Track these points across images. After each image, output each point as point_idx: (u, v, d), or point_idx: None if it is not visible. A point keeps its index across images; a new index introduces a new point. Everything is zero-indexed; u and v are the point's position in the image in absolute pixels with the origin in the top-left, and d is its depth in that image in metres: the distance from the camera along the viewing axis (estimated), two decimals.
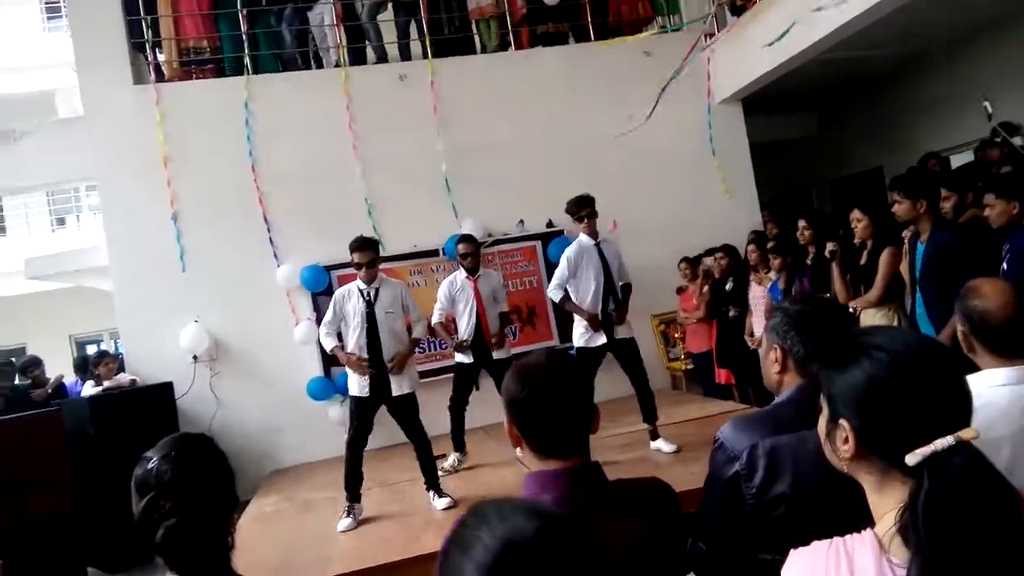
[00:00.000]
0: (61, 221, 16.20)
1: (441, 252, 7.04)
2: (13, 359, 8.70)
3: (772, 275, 5.79)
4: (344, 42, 7.30)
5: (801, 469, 1.58)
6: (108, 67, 6.78)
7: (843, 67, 7.32)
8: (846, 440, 1.11)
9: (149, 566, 5.21)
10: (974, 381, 1.76)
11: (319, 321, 6.66)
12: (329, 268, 6.82)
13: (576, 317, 5.02)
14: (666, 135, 7.43)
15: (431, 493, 4.59)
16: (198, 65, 7.27)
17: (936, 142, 8.04)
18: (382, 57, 7.45)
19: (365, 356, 4.55)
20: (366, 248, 4.60)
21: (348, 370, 4.67)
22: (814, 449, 1.25)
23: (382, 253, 6.58)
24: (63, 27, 12.97)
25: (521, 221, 7.30)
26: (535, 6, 7.63)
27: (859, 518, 1.11)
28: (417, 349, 5.31)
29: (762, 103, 7.88)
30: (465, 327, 5.34)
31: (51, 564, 5.43)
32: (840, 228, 5.60)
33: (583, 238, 4.99)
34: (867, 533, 1.06)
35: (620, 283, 5.07)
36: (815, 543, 1.09)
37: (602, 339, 4.93)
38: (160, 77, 7.07)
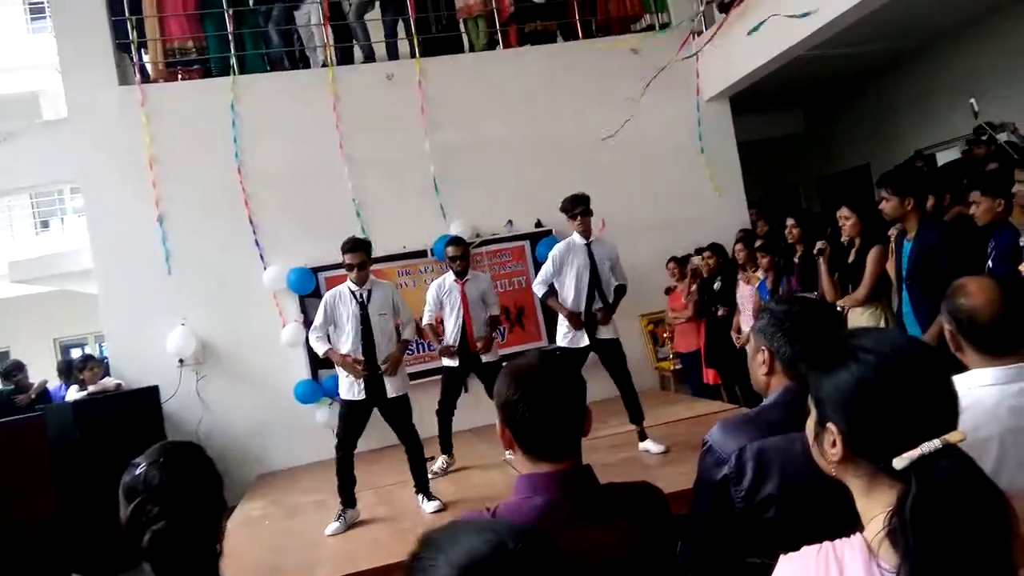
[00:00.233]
0: (45, 224, 16.06)
1: (430, 253, 7.01)
2: None
3: (760, 274, 5.80)
4: (331, 41, 7.27)
5: (789, 471, 1.58)
6: (93, 68, 6.72)
7: (829, 64, 7.35)
8: (834, 444, 1.10)
9: (135, 572, 5.15)
10: (961, 381, 1.76)
11: (307, 324, 6.66)
12: (316, 270, 6.78)
13: (560, 316, 5.03)
14: (655, 133, 7.45)
15: (420, 496, 4.57)
16: (184, 66, 7.22)
17: (923, 139, 8.11)
18: (369, 56, 7.41)
19: (361, 358, 4.52)
20: (358, 249, 4.56)
21: (340, 373, 4.63)
22: (802, 451, 1.25)
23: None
24: (47, 28, 12.84)
25: (510, 221, 7.29)
26: (523, 4, 7.62)
27: (848, 521, 1.11)
28: (407, 351, 5.29)
29: (749, 101, 7.90)
30: (451, 330, 5.32)
31: (35, 570, 5.37)
32: (828, 226, 5.63)
33: (574, 236, 5.00)
34: (856, 538, 1.06)
35: (615, 284, 5.07)
36: (805, 548, 1.09)
37: (585, 340, 4.94)
38: (145, 78, 7.01)
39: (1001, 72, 7.12)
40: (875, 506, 1.06)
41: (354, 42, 7.41)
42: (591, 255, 4.95)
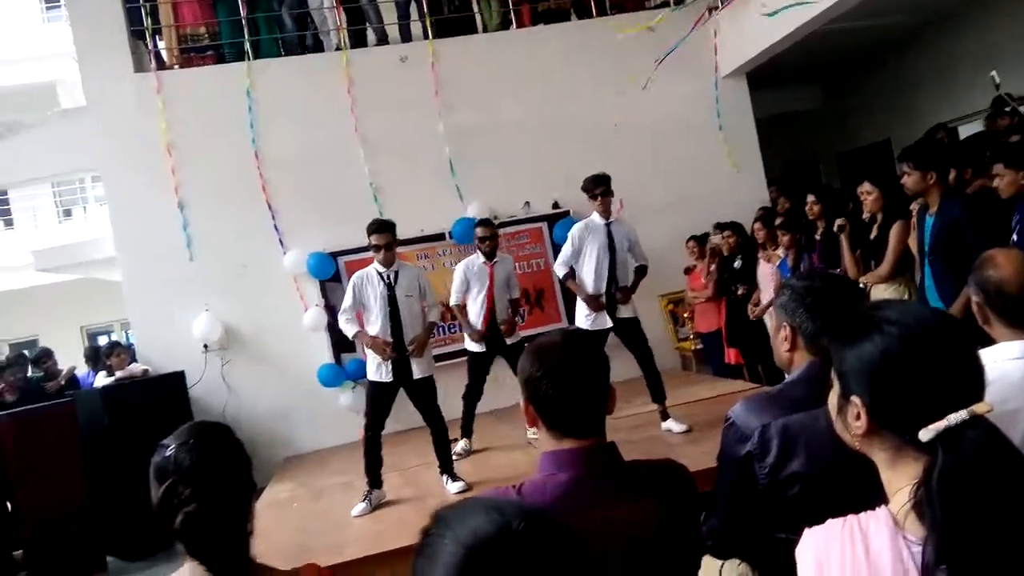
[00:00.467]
0: (68, 212, 16.24)
1: (448, 235, 7.02)
2: (25, 351, 8.76)
3: (780, 252, 5.76)
4: (344, 24, 7.25)
5: (814, 448, 1.57)
6: (108, 56, 6.75)
7: (847, 38, 7.24)
8: (858, 416, 1.10)
9: (168, 553, 5.27)
10: (989, 354, 1.75)
11: (328, 308, 6.73)
12: (335, 255, 6.81)
13: (579, 298, 5.03)
14: (672, 111, 7.40)
15: (444, 477, 4.61)
16: (197, 52, 7.24)
17: (944, 112, 7.96)
18: (383, 39, 7.39)
19: (389, 339, 4.55)
20: (384, 230, 4.57)
21: (368, 354, 4.67)
22: (826, 427, 1.25)
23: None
24: (62, 17, 12.91)
25: (527, 203, 7.27)
26: None
27: (874, 496, 1.11)
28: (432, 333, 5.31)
29: (766, 77, 7.80)
30: (477, 312, 5.34)
31: (69, 554, 5.49)
32: (849, 202, 5.56)
33: (594, 216, 5.00)
34: (881, 511, 1.06)
35: (636, 264, 5.07)
36: (829, 521, 1.09)
37: (606, 322, 4.94)
38: (161, 65, 7.04)
39: (1020, 45, 6.97)
40: (901, 479, 1.06)
41: (367, 24, 7.38)
42: (610, 236, 4.94)
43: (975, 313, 1.84)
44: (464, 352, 5.62)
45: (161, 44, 7.18)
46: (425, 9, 7.25)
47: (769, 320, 5.69)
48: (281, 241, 6.83)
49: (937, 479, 0.96)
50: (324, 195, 6.85)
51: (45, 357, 7.48)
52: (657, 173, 7.29)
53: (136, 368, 6.35)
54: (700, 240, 6.93)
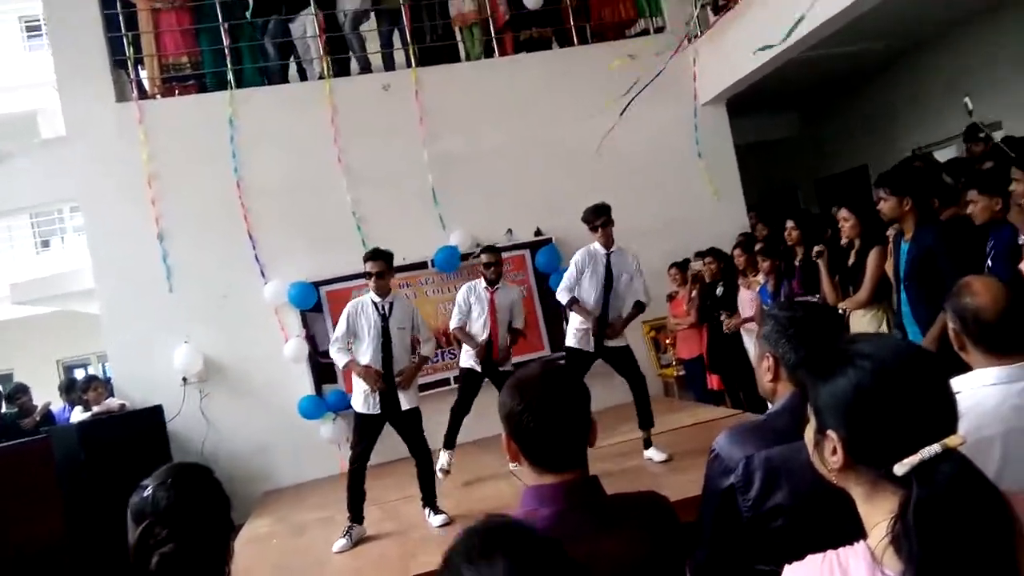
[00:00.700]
0: (45, 243, 16.08)
1: (430, 264, 7.02)
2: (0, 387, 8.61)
3: (760, 278, 5.80)
4: (327, 53, 7.30)
5: (797, 480, 1.57)
6: (90, 85, 6.74)
7: (823, 65, 7.38)
8: (834, 451, 1.11)
9: None
10: (965, 380, 1.78)
11: (309, 338, 6.69)
12: (317, 284, 6.79)
13: (572, 316, 5.06)
14: (652, 138, 7.47)
15: (427, 510, 4.56)
16: (180, 81, 7.24)
17: (920, 137, 8.12)
18: (366, 67, 7.44)
19: (380, 370, 4.54)
20: (378, 258, 4.59)
21: (354, 385, 4.65)
22: (809, 459, 1.25)
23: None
24: (43, 46, 12.88)
25: (509, 230, 7.29)
26: (518, 12, 7.63)
27: (856, 529, 1.11)
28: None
29: (745, 104, 7.93)
30: (477, 336, 5.34)
31: None
32: (828, 228, 5.63)
33: (595, 246, 5.04)
34: (860, 545, 1.06)
35: (634, 300, 5.09)
36: (809, 557, 1.09)
37: (590, 345, 4.98)
38: (143, 94, 7.03)
39: (992, 70, 7.15)
40: (878, 513, 1.06)
41: (350, 54, 7.44)
42: (609, 267, 4.98)
43: (951, 339, 1.86)
44: (444, 381, 5.58)
45: (143, 73, 7.17)
46: (408, 38, 7.32)
47: (750, 345, 5.75)
48: (262, 272, 6.80)
49: (913, 512, 0.96)
50: (306, 224, 6.84)
51: (20, 393, 7.34)
52: (638, 200, 7.33)
53: (113, 403, 6.25)
54: (681, 267, 6.97)
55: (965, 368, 1.83)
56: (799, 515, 1.57)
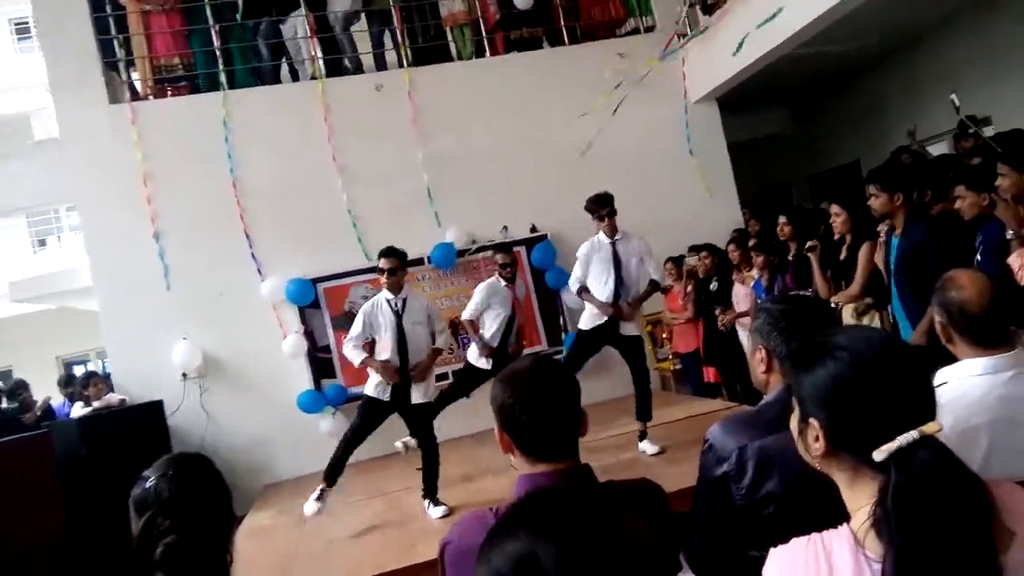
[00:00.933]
0: (42, 242, 16.07)
1: (426, 261, 7.05)
2: (0, 383, 8.64)
3: (755, 273, 5.85)
4: (319, 54, 7.31)
5: (788, 468, 1.60)
6: (82, 88, 6.73)
7: (814, 63, 7.40)
8: (817, 439, 1.15)
9: None
10: (952, 371, 1.82)
11: (307, 334, 6.73)
12: (315, 281, 6.82)
13: (586, 305, 5.10)
14: (644, 137, 7.50)
15: (427, 502, 4.62)
16: (172, 82, 7.24)
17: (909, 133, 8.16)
18: (358, 68, 7.46)
19: (397, 364, 4.62)
20: (390, 255, 4.68)
21: (370, 372, 4.73)
22: None
23: (368, 264, 6.68)
24: (34, 48, 12.86)
25: (505, 227, 7.32)
26: (508, 11, 7.65)
27: (844, 514, 1.15)
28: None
29: (736, 101, 7.95)
30: (494, 332, 5.38)
31: None
32: (821, 223, 5.67)
33: (600, 236, 5.08)
34: (843, 528, 1.10)
35: (649, 279, 5.14)
36: (794, 540, 1.13)
37: (598, 322, 4.99)
38: (135, 96, 7.04)
39: (982, 67, 7.21)
40: (860, 497, 1.11)
41: (342, 55, 7.45)
42: (616, 253, 5.01)
43: (938, 332, 1.90)
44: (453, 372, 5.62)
45: (135, 75, 7.17)
46: (399, 38, 7.34)
47: (746, 339, 5.79)
48: (259, 269, 6.82)
49: (892, 498, 1.01)
50: (303, 222, 6.86)
51: (20, 389, 7.39)
52: (633, 197, 7.28)
53: (113, 398, 6.28)
54: (677, 261, 7.00)
55: (952, 360, 1.88)
56: (790, 502, 1.61)
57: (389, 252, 4.69)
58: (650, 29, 7.95)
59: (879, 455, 1.04)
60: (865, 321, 4.63)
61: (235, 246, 6.78)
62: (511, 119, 7.37)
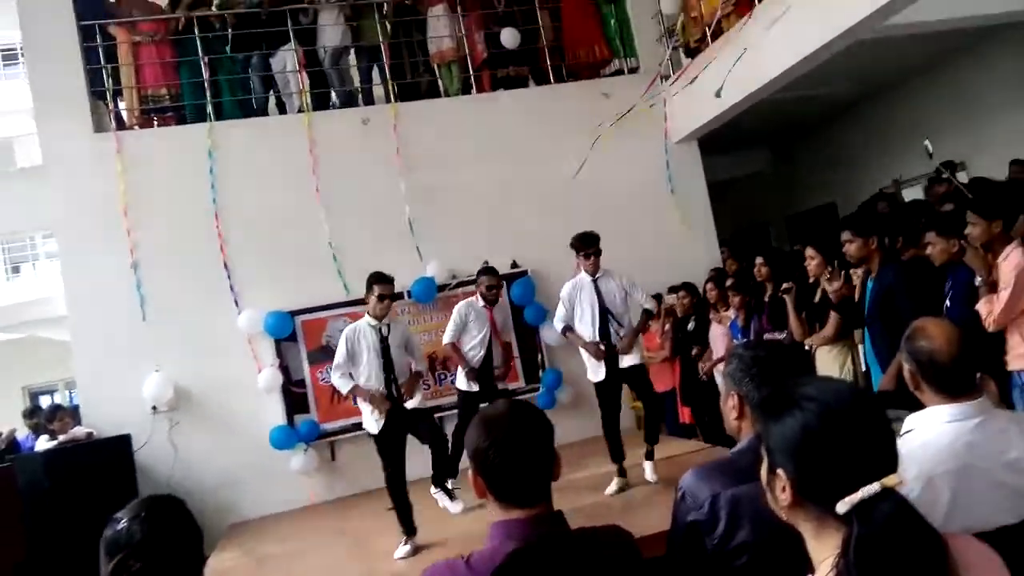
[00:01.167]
0: (16, 269, 15.84)
1: (407, 295, 7.03)
2: None
3: (731, 313, 5.89)
4: (307, 88, 7.35)
5: (761, 518, 1.59)
6: (68, 116, 6.70)
7: (793, 107, 7.58)
8: (784, 489, 1.16)
9: None
10: (920, 418, 1.84)
11: (283, 368, 6.65)
12: (293, 313, 6.77)
13: (583, 352, 5.10)
14: (626, 175, 7.58)
15: (439, 492, 4.71)
16: (158, 113, 7.25)
17: (887, 176, 8.34)
18: (346, 102, 7.51)
19: (384, 390, 4.62)
20: (390, 281, 4.75)
21: (361, 408, 4.72)
22: None
23: (348, 297, 6.66)
24: (19, 74, 12.83)
25: (486, 262, 7.31)
26: (495, 50, 7.76)
27: (810, 565, 1.15)
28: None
29: (717, 141, 8.08)
30: (475, 355, 5.39)
31: None
32: (798, 265, 5.73)
33: (581, 275, 5.12)
34: None
35: (643, 308, 5.18)
36: None
37: (600, 374, 5.01)
38: (121, 125, 7.02)
39: (957, 111, 7.40)
40: (824, 549, 1.11)
41: (331, 89, 7.50)
42: (598, 291, 5.05)
43: (907, 380, 1.93)
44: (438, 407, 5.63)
45: (121, 104, 7.16)
46: (387, 74, 7.41)
47: (720, 380, 5.80)
48: (236, 301, 6.76)
49: (853, 549, 1.01)
50: (283, 254, 6.83)
51: None
52: (612, 235, 7.26)
53: (80, 431, 6.14)
54: (656, 299, 7.02)
55: (920, 406, 1.91)
56: (762, 552, 1.60)
57: (387, 279, 4.75)
58: (634, 70, 8.09)
59: (842, 507, 1.05)
60: (837, 359, 4.67)
61: (214, 278, 6.71)
62: (495, 155, 7.43)
